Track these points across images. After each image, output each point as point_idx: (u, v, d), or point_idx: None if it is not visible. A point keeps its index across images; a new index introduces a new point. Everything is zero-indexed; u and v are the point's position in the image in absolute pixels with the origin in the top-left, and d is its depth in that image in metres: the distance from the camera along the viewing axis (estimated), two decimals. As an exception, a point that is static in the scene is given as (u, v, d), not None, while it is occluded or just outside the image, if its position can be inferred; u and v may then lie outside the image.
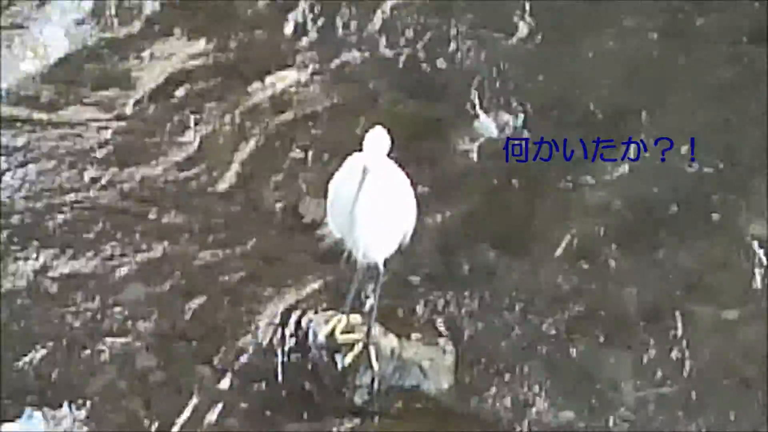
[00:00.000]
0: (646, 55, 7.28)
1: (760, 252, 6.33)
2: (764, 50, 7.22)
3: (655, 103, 7.00)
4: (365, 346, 5.70)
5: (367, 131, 5.18)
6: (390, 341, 5.79)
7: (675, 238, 6.41)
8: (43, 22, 7.26)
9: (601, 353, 5.94)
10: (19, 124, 6.77)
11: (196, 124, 6.83)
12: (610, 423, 5.70)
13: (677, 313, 6.09)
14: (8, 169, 6.54)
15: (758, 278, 6.24)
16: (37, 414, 5.57)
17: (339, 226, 5.38)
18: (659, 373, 5.87)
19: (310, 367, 5.76)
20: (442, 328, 5.97)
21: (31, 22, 7.26)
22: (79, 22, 7.30)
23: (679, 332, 6.02)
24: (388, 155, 5.24)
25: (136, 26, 7.34)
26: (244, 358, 5.81)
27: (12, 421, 5.56)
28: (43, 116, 6.84)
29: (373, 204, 5.20)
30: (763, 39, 7.28)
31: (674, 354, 5.94)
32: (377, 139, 5.16)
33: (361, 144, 5.18)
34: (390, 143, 5.20)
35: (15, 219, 6.33)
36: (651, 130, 6.85)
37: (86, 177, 6.55)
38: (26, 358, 5.78)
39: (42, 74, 7.04)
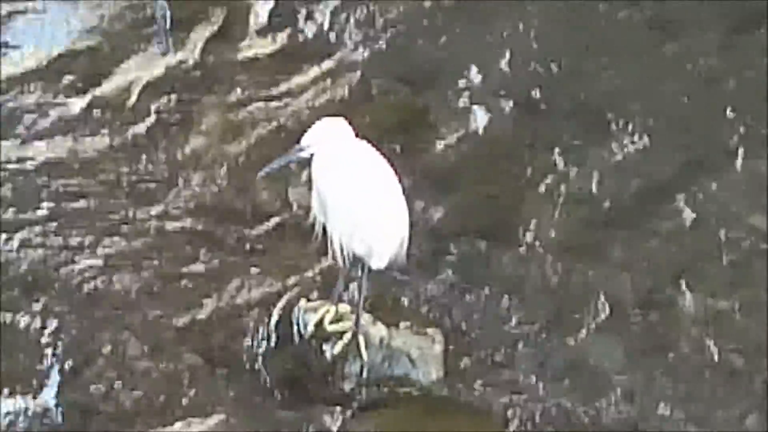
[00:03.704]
0: (635, 44, 7.29)
1: (752, 241, 6.34)
2: (752, 39, 7.24)
3: (644, 92, 7.01)
4: (354, 335, 5.71)
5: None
6: (379, 330, 5.80)
7: (665, 226, 6.42)
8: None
9: (591, 341, 5.95)
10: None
11: (189, 114, 6.88)
12: (601, 410, 5.70)
13: (667, 302, 6.10)
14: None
15: (749, 268, 6.23)
16: None
17: (318, 213, 5.44)
18: (649, 361, 5.88)
19: (299, 356, 5.77)
20: (431, 317, 5.97)
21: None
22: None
23: (670, 320, 6.03)
24: (374, 146, 5.36)
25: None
26: (232, 347, 5.83)
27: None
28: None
29: (337, 191, 5.31)
30: (752, 28, 7.29)
31: (664, 342, 5.95)
32: (328, 126, 5.32)
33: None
34: (348, 134, 5.34)
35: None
36: (640, 119, 6.86)
37: (76, 168, 6.60)
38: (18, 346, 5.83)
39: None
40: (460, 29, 7.34)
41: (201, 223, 6.36)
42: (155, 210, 6.41)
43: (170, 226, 6.35)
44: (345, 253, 5.45)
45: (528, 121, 6.87)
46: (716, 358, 5.89)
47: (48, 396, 5.64)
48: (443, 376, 5.78)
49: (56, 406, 5.62)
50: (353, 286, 5.84)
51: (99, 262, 6.17)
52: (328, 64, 7.17)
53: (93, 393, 5.67)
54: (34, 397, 5.63)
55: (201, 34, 7.35)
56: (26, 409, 5.60)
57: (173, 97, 6.99)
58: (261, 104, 6.95)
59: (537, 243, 6.32)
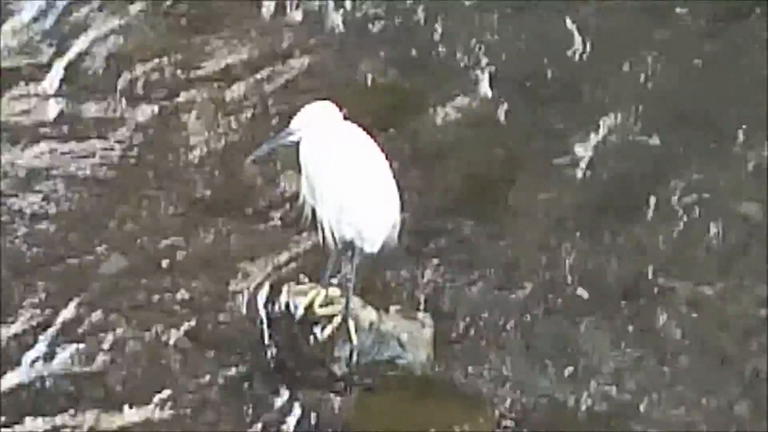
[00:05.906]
0: (626, 30, 7.29)
1: (743, 228, 6.35)
2: (744, 26, 7.24)
3: (636, 78, 7.01)
4: (344, 319, 5.71)
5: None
6: (369, 314, 5.80)
7: (654, 212, 6.42)
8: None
9: (579, 326, 5.96)
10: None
11: (176, 95, 6.86)
12: (588, 395, 5.71)
13: (655, 287, 6.11)
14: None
15: (740, 254, 6.25)
16: None
17: (308, 197, 5.43)
18: (637, 346, 5.89)
19: (288, 339, 5.77)
20: (420, 301, 5.98)
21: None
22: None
23: (659, 306, 6.03)
24: (364, 129, 5.35)
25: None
26: (222, 330, 5.83)
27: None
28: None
29: (326, 175, 5.30)
30: (743, 15, 7.29)
31: (651, 327, 5.96)
32: (317, 110, 5.30)
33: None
34: (337, 117, 5.32)
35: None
36: (632, 105, 6.86)
37: (65, 150, 6.59)
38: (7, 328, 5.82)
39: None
40: (452, 14, 7.34)
41: (191, 206, 6.36)
42: (145, 194, 6.40)
43: (160, 209, 6.35)
44: (335, 236, 5.45)
45: (518, 105, 6.87)
46: (705, 343, 5.90)
47: (36, 377, 5.63)
48: (433, 359, 5.79)
49: (44, 387, 5.61)
50: (343, 269, 5.85)
51: (88, 244, 6.17)
52: (317, 47, 7.17)
53: (81, 375, 5.67)
54: (24, 379, 5.63)
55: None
56: (15, 390, 5.59)
57: (159, 79, 7.02)
58: (250, 87, 6.95)
59: (527, 227, 6.33)
